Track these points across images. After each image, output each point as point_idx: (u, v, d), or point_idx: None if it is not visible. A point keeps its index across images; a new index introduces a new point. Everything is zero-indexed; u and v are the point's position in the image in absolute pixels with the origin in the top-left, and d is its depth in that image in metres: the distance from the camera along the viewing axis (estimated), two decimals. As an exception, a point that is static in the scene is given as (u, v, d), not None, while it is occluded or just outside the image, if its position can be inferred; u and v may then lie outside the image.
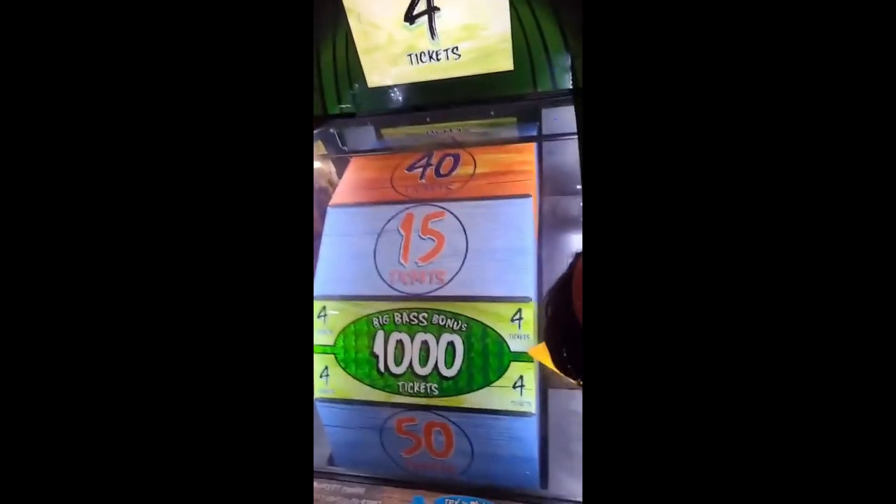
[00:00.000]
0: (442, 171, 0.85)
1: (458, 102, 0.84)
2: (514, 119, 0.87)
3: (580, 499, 0.70)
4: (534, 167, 0.82)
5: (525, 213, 0.76)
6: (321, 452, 0.82)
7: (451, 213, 0.79)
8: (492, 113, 0.87)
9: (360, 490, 0.76)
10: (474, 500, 0.72)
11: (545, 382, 0.74)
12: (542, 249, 0.78)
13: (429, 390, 0.74)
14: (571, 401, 0.77)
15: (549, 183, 0.84)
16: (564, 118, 0.85)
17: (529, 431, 0.71)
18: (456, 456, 0.74)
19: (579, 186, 0.88)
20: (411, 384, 0.75)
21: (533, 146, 0.84)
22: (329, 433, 0.79)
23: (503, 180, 0.80)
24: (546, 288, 0.76)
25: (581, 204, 0.86)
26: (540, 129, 0.88)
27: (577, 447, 0.75)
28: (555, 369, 0.69)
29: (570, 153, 0.89)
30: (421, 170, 0.86)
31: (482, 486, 0.73)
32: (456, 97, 0.84)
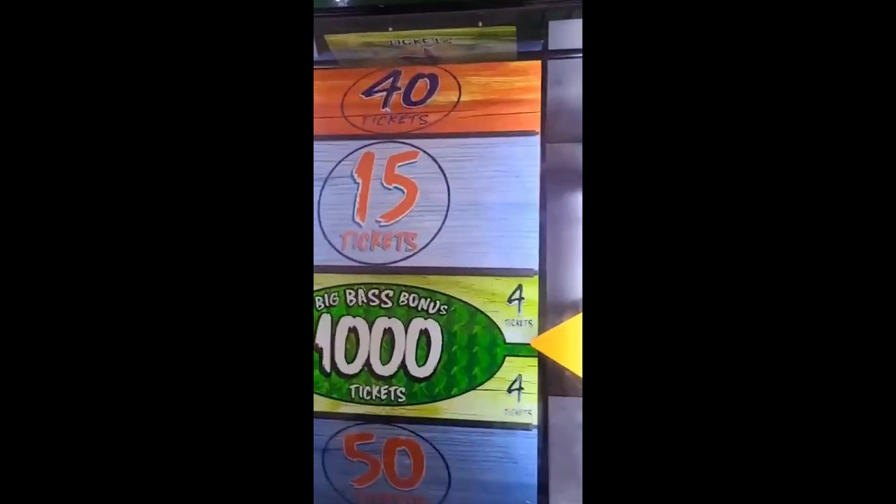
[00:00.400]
0: (413, 98, 0.71)
1: (435, 3, 0.70)
2: (512, 29, 0.73)
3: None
4: (539, 96, 0.68)
5: (529, 157, 0.66)
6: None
7: (427, 153, 0.66)
8: (480, 23, 0.72)
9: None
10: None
11: (545, 387, 0.63)
12: (546, 208, 0.65)
13: (393, 396, 0.64)
14: (578, 411, 0.64)
15: (555, 121, 0.71)
16: (573, 32, 0.71)
17: (528, 449, 0.62)
18: (426, 484, 0.63)
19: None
20: (368, 388, 0.65)
21: (539, 68, 0.70)
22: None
23: (499, 112, 0.69)
24: (551, 259, 0.65)
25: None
26: (546, 46, 0.74)
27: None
28: (566, 364, 0.60)
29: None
30: (384, 94, 0.72)
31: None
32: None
